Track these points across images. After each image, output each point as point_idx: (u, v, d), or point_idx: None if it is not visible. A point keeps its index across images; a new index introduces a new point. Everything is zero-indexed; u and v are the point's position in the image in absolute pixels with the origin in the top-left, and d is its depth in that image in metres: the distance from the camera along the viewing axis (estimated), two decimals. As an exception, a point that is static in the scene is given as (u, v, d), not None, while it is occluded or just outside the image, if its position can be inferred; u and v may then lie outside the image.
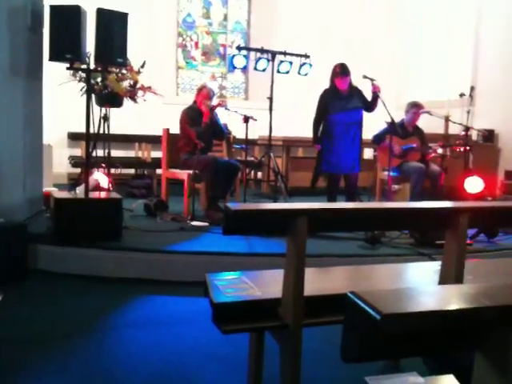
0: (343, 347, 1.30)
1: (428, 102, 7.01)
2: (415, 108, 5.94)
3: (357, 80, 5.42)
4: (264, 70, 6.01)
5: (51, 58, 3.93)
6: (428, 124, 6.72)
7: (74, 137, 8.08)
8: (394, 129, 5.21)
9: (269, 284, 2.22)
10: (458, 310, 1.20)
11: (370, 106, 5.39)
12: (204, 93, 5.52)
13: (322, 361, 2.59)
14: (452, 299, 1.30)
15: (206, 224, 4.87)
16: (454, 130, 7.40)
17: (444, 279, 2.25)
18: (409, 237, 4.55)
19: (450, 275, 2.21)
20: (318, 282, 2.35)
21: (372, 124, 5.89)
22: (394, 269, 2.74)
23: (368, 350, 1.33)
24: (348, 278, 2.53)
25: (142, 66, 5.31)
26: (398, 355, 1.94)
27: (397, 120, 5.43)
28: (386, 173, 5.41)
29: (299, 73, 6.23)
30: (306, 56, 6.16)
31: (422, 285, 2.39)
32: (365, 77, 5.22)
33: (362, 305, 1.15)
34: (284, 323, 1.98)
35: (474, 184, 5.91)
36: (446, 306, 1.26)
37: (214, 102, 5.58)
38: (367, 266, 2.90)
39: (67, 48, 3.88)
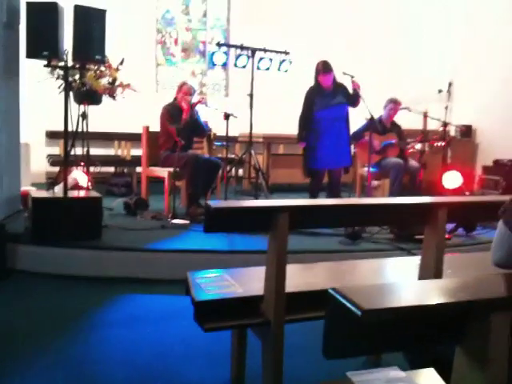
0: (325, 343, 1.31)
1: (407, 98, 7.07)
2: (392, 104, 6.02)
3: (337, 77, 5.44)
4: (244, 67, 6.00)
5: (28, 55, 3.87)
6: (407, 120, 6.79)
7: (52, 135, 7.97)
8: (373, 125, 5.25)
9: (251, 281, 2.23)
10: (437, 305, 1.22)
11: (353, 102, 5.43)
12: (184, 90, 5.49)
13: (304, 357, 2.60)
14: (431, 294, 1.31)
15: (187, 222, 4.85)
16: (433, 125, 7.49)
17: (423, 273, 2.28)
18: (389, 232, 4.60)
19: (430, 269, 2.23)
20: (299, 278, 2.36)
21: (351, 120, 5.92)
22: (375, 264, 2.76)
23: (349, 345, 1.35)
24: (329, 274, 2.54)
25: (121, 63, 5.26)
26: (380, 350, 1.96)
27: (375, 116, 5.47)
28: (366, 169, 5.45)
29: (279, 69, 6.24)
30: (286, 53, 6.16)
31: (402, 279, 2.42)
32: (344, 73, 5.25)
33: (343, 300, 1.16)
34: (266, 320, 1.98)
35: (452, 179, 6.00)
36: (426, 300, 1.27)
37: (195, 98, 5.55)
38: (348, 262, 2.92)
39: (44, 45, 3.83)
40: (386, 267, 2.73)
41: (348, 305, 1.14)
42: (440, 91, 7.12)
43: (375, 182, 6.21)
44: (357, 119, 5.78)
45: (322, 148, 5.32)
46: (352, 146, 5.83)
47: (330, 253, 4.01)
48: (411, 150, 6.02)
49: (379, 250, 4.14)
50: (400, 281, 2.34)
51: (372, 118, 5.22)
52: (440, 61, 8.41)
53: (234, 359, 2.36)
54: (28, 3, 3.83)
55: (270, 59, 6.09)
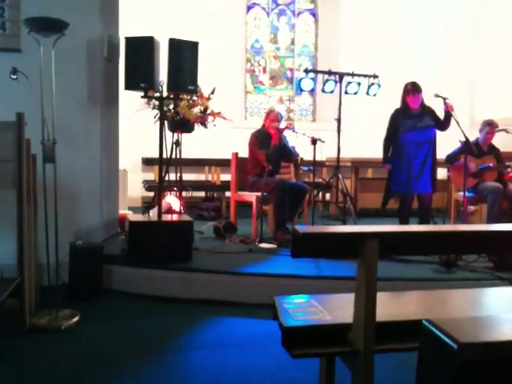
0: (418, 376, 1.25)
1: (504, 119, 6.72)
2: (489, 126, 5.75)
3: (428, 99, 5.29)
4: (332, 92, 6.00)
5: (127, 87, 4.11)
6: (505, 142, 6.44)
7: (147, 162, 8.39)
8: (468, 148, 5.02)
9: (339, 308, 2.18)
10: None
11: (443, 125, 5.24)
12: (272, 116, 5.59)
13: (395, 389, 2.50)
14: (536, 328, 1.22)
15: (274, 246, 4.87)
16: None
17: (527, 306, 2.12)
18: (487, 260, 4.34)
19: (534, 302, 2.08)
20: (390, 306, 2.28)
21: (445, 143, 5.71)
22: (472, 294, 2.61)
23: (444, 380, 1.27)
24: (422, 304, 2.43)
25: (212, 93, 5.45)
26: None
27: (471, 139, 5.24)
28: (461, 193, 5.21)
29: (368, 93, 6.17)
30: (375, 76, 6.09)
31: (503, 312, 2.26)
32: (437, 95, 5.08)
33: (438, 333, 1.10)
34: (355, 349, 1.93)
35: (557, 205, 5.58)
36: (530, 335, 1.18)
37: (282, 124, 5.63)
38: (442, 291, 2.78)
39: (142, 77, 4.05)
40: (485, 298, 2.57)
41: (443, 338, 1.08)
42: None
43: (471, 208, 5.92)
44: (451, 142, 5.56)
45: (406, 172, 5.16)
46: (446, 170, 5.62)
47: (423, 281, 3.86)
48: (511, 174, 5.69)
49: (477, 279, 3.91)
50: (501, 313, 2.19)
51: (467, 141, 5.01)
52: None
53: (321, 388, 2.31)
54: (127, 38, 4.09)
55: (358, 83, 6.05)
